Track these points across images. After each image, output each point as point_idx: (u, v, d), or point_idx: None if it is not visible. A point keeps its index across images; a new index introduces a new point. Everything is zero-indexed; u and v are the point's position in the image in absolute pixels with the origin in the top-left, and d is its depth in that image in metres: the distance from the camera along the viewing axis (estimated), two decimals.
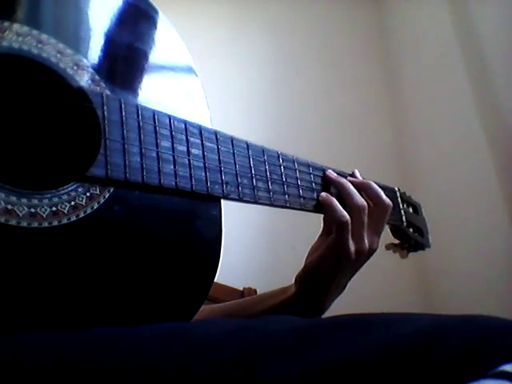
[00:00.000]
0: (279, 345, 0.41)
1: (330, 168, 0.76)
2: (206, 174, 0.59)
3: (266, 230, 1.89)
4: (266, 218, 1.83)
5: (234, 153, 0.63)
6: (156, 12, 0.64)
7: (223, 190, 0.60)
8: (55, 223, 0.47)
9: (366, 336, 0.40)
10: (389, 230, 0.88)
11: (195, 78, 0.66)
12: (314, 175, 0.73)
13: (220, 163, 0.61)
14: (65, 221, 0.47)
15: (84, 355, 0.41)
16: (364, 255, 0.70)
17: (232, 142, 0.64)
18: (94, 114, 0.52)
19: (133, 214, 0.53)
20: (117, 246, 0.51)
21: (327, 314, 0.72)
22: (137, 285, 0.52)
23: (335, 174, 0.75)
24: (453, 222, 1.74)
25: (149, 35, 0.63)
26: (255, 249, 1.87)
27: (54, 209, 0.47)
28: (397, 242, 0.91)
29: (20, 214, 0.45)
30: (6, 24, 0.50)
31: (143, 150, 0.54)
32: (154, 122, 0.56)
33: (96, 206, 0.50)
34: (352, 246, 0.68)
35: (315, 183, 0.73)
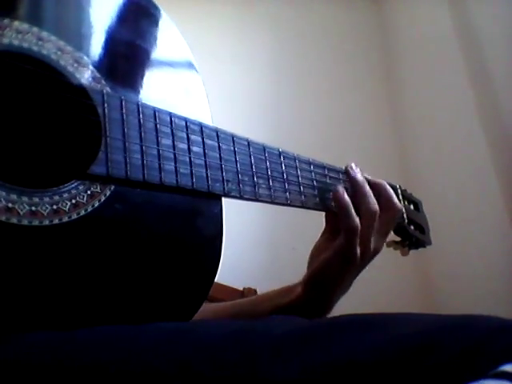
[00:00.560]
0: (280, 345, 0.41)
1: (329, 165, 0.76)
2: (206, 171, 0.58)
3: (266, 230, 1.90)
4: (266, 218, 1.83)
5: (234, 150, 0.63)
6: (157, 9, 0.64)
7: (224, 188, 0.60)
8: (56, 221, 0.47)
9: (366, 336, 0.40)
10: None
11: (196, 75, 0.66)
12: (315, 173, 0.73)
13: (221, 161, 0.61)
14: (66, 219, 0.47)
15: (84, 354, 0.41)
16: (369, 257, 0.70)
17: (233, 139, 0.63)
18: (95, 112, 0.52)
19: (133, 211, 0.53)
20: (117, 244, 0.51)
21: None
22: (137, 283, 0.51)
23: (355, 171, 0.73)
24: (453, 222, 1.74)
25: (150, 32, 0.63)
26: (255, 249, 1.87)
27: (54, 207, 0.47)
28: (398, 239, 0.90)
29: (21, 213, 0.45)
30: (6, 21, 0.49)
31: (144, 148, 0.54)
32: (155, 120, 0.56)
33: (97, 203, 0.50)
34: (358, 250, 0.67)
35: (316, 181, 0.73)
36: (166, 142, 0.56)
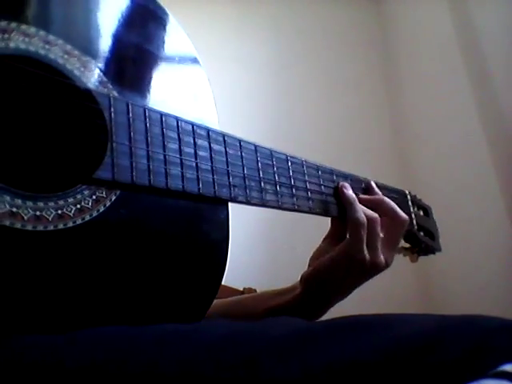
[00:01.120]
0: (281, 346, 0.41)
1: (337, 170, 0.75)
2: (213, 176, 0.58)
3: (266, 230, 1.89)
4: (266, 219, 1.83)
5: (241, 155, 0.62)
6: (165, 13, 0.63)
7: (231, 193, 0.59)
8: (61, 226, 0.46)
9: (367, 337, 0.40)
10: None
11: (204, 78, 0.66)
12: (323, 178, 0.72)
13: (228, 166, 0.60)
14: (70, 224, 0.47)
15: (84, 354, 0.41)
16: (378, 269, 0.69)
17: (240, 144, 0.63)
18: (101, 116, 0.52)
19: (139, 217, 0.52)
20: (123, 249, 0.50)
21: (328, 314, 0.72)
22: (143, 288, 0.51)
23: (347, 192, 0.72)
24: (453, 222, 1.73)
25: (157, 36, 0.62)
26: (255, 249, 1.87)
27: (59, 212, 0.47)
28: (407, 245, 0.90)
29: (25, 217, 0.44)
30: (13, 25, 0.49)
31: (150, 153, 0.53)
32: (162, 124, 0.56)
33: (102, 208, 0.50)
34: (367, 255, 0.67)
35: (324, 186, 0.72)
36: (173, 146, 0.56)
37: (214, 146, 0.60)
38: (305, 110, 2.11)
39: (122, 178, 0.51)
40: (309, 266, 0.73)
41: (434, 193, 1.73)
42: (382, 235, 0.71)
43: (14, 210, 0.44)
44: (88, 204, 0.49)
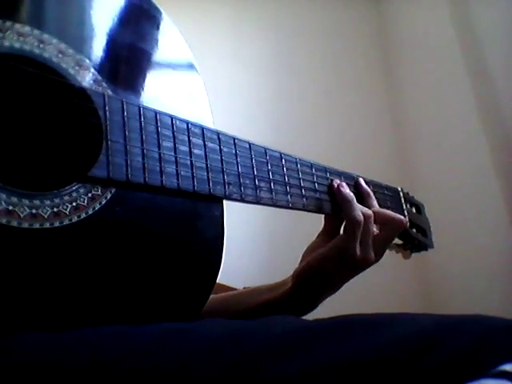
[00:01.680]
0: (280, 345, 0.41)
1: (330, 168, 0.76)
2: (208, 174, 0.58)
3: (266, 230, 1.89)
4: (265, 219, 1.83)
5: (236, 153, 0.63)
6: (159, 12, 0.64)
7: (225, 191, 0.60)
8: (57, 224, 0.47)
9: (366, 336, 0.40)
10: None
11: (197, 77, 0.66)
12: (316, 176, 0.73)
13: (222, 164, 0.60)
14: (66, 222, 0.47)
15: (82, 353, 0.41)
16: (368, 265, 0.70)
17: (234, 142, 0.63)
18: (96, 115, 0.52)
19: (134, 214, 0.53)
20: (118, 246, 0.51)
21: (325, 312, 0.72)
22: (138, 286, 0.51)
23: (344, 190, 0.72)
24: (453, 222, 1.74)
25: (151, 35, 0.63)
26: (255, 249, 1.87)
27: (55, 210, 0.47)
28: (400, 242, 0.90)
29: (21, 215, 0.45)
30: (8, 24, 0.49)
31: (145, 151, 0.54)
32: (156, 123, 0.56)
33: (97, 206, 0.50)
34: (358, 252, 0.68)
35: (318, 184, 0.73)
36: (168, 144, 0.56)
37: (209, 144, 0.60)
38: (304, 109, 2.11)
39: (117, 176, 0.51)
40: (301, 261, 0.73)
41: (433, 192, 1.74)
42: (376, 231, 0.72)
43: (11, 208, 0.44)
44: (84, 202, 0.49)
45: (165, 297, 0.53)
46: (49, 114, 0.54)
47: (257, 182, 0.64)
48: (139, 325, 0.46)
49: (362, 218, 0.68)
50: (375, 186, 0.83)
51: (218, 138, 0.62)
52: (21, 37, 0.50)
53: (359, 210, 0.69)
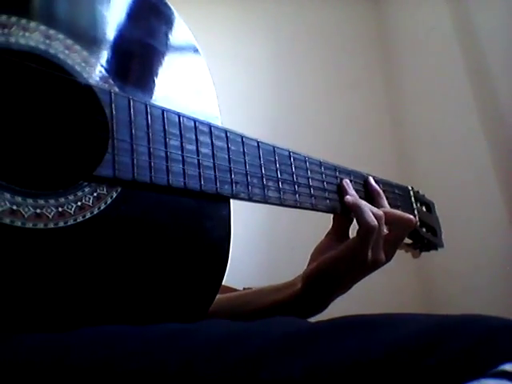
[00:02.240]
0: (283, 346, 0.40)
1: (340, 166, 0.75)
2: (215, 173, 0.58)
3: (266, 230, 1.90)
4: (265, 219, 1.84)
5: (244, 152, 0.62)
6: (167, 8, 0.62)
7: (233, 190, 0.59)
8: (61, 224, 0.46)
9: (368, 337, 0.40)
10: None
11: (207, 74, 0.65)
12: (325, 174, 0.72)
13: (230, 163, 0.60)
14: (71, 222, 0.47)
15: (83, 353, 0.41)
16: (379, 265, 0.70)
17: (242, 140, 0.62)
18: (102, 112, 0.51)
19: (140, 214, 0.52)
20: (123, 247, 0.50)
21: (325, 312, 0.72)
22: (144, 286, 0.51)
23: (353, 199, 0.71)
24: (453, 221, 1.72)
25: (159, 31, 0.62)
26: (255, 249, 1.87)
27: (60, 209, 0.46)
28: (409, 241, 0.89)
29: (25, 215, 0.44)
30: (14, 19, 0.49)
31: (151, 150, 0.53)
32: (163, 121, 0.55)
33: (103, 206, 0.49)
34: (370, 254, 0.67)
35: (327, 183, 0.72)
36: (174, 143, 0.55)
37: (216, 143, 0.59)
38: (304, 109, 2.11)
39: (123, 175, 0.50)
40: (310, 261, 0.73)
41: (433, 192, 1.73)
42: (386, 231, 0.71)
43: (15, 207, 0.44)
44: (89, 201, 0.48)
45: (171, 297, 0.53)
46: (54, 112, 0.53)
47: (265, 181, 0.63)
48: (145, 325, 0.45)
49: (376, 223, 0.67)
50: (385, 184, 0.82)
51: (226, 136, 0.61)
52: (26, 32, 0.49)
53: (372, 214, 0.68)
